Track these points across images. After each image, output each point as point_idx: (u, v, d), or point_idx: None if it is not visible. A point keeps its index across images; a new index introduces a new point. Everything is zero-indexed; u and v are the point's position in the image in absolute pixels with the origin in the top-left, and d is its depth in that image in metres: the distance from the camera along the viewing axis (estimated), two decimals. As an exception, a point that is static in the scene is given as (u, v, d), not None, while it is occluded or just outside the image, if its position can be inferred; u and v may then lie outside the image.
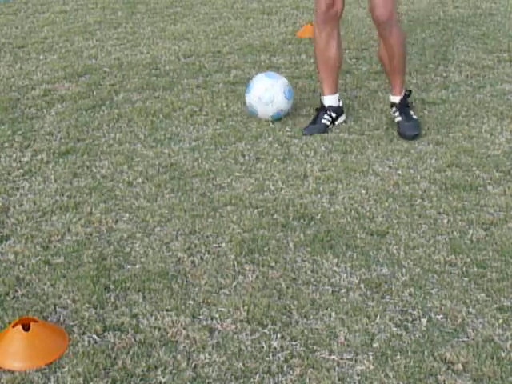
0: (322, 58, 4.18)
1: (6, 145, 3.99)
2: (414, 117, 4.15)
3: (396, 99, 4.16)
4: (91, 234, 3.10)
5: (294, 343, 2.44)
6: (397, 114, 4.13)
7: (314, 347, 2.41)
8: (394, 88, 4.17)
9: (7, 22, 6.61)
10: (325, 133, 4.10)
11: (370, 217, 3.21)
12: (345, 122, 4.23)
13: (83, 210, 3.30)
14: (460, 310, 2.58)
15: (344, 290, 2.71)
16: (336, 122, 4.20)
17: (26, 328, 2.38)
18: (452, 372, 2.30)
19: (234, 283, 2.76)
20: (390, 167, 3.69)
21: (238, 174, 3.64)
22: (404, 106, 4.15)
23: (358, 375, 2.30)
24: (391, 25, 3.93)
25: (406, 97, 4.18)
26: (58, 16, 6.84)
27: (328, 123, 4.16)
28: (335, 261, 2.88)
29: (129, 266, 2.88)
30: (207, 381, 2.29)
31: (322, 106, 4.20)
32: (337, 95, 4.23)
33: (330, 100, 4.20)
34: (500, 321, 2.53)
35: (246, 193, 3.44)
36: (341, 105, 4.25)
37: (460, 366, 2.32)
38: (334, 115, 4.18)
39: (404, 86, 4.19)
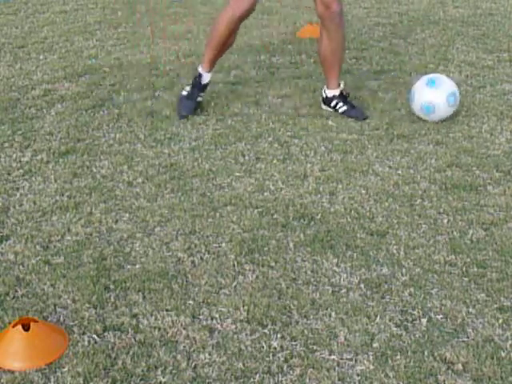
0: (222, 49, 4.31)
1: (6, 145, 3.98)
2: (355, 104, 4.34)
3: (337, 92, 4.32)
4: (91, 234, 3.10)
5: (293, 343, 2.44)
6: (340, 104, 4.31)
7: (314, 347, 2.41)
8: (332, 82, 4.33)
9: (7, 22, 6.61)
10: (196, 109, 4.35)
11: (369, 217, 3.21)
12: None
13: (83, 210, 3.30)
14: (460, 310, 2.58)
15: (344, 290, 2.71)
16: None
17: (26, 328, 2.38)
18: (452, 372, 2.30)
19: (234, 283, 2.76)
20: (390, 167, 3.69)
21: (237, 173, 3.64)
22: (342, 96, 4.33)
23: (357, 375, 2.30)
24: (342, 18, 4.15)
25: (343, 88, 4.35)
26: (58, 16, 6.84)
27: (201, 99, 4.42)
28: (335, 261, 2.89)
29: (129, 266, 2.88)
30: (207, 381, 2.29)
31: (199, 84, 4.39)
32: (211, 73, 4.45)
33: (207, 77, 4.40)
34: (500, 321, 2.53)
35: (245, 193, 3.44)
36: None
37: (460, 366, 2.32)
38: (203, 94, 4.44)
39: (340, 78, 4.37)
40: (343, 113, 4.30)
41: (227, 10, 4.18)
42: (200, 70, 4.40)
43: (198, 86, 4.40)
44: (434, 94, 4.15)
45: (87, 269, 2.84)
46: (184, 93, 4.44)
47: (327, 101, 4.37)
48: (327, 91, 4.36)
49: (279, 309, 2.60)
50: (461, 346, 2.40)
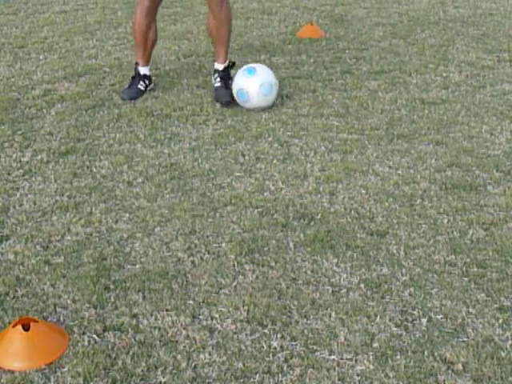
0: (144, 40, 4.67)
1: (6, 145, 3.98)
2: (229, 86, 4.56)
3: (220, 67, 4.63)
4: (91, 234, 3.10)
5: (293, 343, 2.44)
6: (218, 79, 4.60)
7: (314, 347, 2.41)
8: (219, 57, 4.64)
9: (7, 22, 6.61)
10: (138, 96, 4.62)
11: (370, 217, 3.21)
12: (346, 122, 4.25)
13: (83, 210, 3.30)
14: (460, 310, 2.58)
15: (344, 290, 2.71)
16: (149, 88, 4.75)
17: (26, 328, 2.38)
18: (452, 372, 2.30)
19: (234, 283, 2.76)
20: (390, 167, 3.69)
21: (238, 173, 3.64)
22: (226, 75, 4.61)
23: (357, 375, 2.30)
24: (222, 1, 4.49)
25: (228, 67, 4.65)
26: (58, 16, 6.83)
27: (143, 88, 4.70)
28: (335, 261, 2.89)
29: (129, 266, 2.88)
30: (207, 381, 2.29)
31: (138, 75, 4.71)
32: (149, 67, 4.77)
33: (144, 70, 4.71)
34: (500, 321, 2.53)
35: (246, 193, 3.44)
36: (150, 74, 4.79)
37: (460, 366, 2.32)
38: (147, 82, 4.72)
39: (228, 57, 4.67)
40: (216, 89, 4.57)
41: (139, 2, 4.64)
42: (137, 62, 4.75)
43: (138, 76, 4.71)
44: (248, 82, 4.39)
45: (87, 269, 2.84)
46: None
47: (213, 73, 4.68)
48: (215, 64, 4.69)
49: (279, 309, 2.60)
50: (461, 346, 2.40)
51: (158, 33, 4.79)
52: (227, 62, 4.66)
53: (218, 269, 2.84)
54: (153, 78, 4.83)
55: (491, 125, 4.19)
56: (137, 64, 4.73)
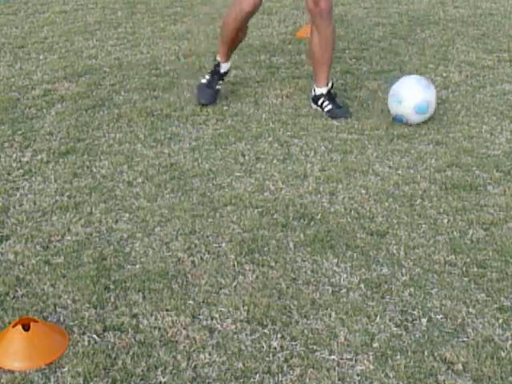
0: (230, 42, 4.46)
1: (6, 145, 3.98)
2: (341, 105, 4.37)
3: (324, 90, 4.36)
4: (91, 234, 3.10)
5: (293, 343, 2.44)
6: (326, 103, 4.34)
7: (314, 347, 2.41)
8: (321, 80, 4.36)
9: (7, 22, 6.60)
10: (216, 98, 4.48)
11: (370, 217, 3.21)
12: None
13: (83, 210, 3.30)
14: (460, 310, 2.58)
15: (344, 290, 2.71)
16: (225, 80, 4.59)
17: (26, 328, 2.38)
18: (452, 372, 2.30)
19: (234, 283, 2.76)
20: (390, 167, 3.69)
21: (238, 173, 3.64)
22: (331, 96, 4.37)
23: (357, 375, 2.30)
24: (331, 16, 4.23)
25: (331, 87, 4.40)
26: (58, 16, 6.83)
27: (220, 87, 4.55)
28: (335, 261, 2.89)
29: (129, 266, 2.88)
30: (207, 381, 2.29)
31: (219, 72, 4.52)
32: (229, 63, 4.59)
33: (226, 66, 4.54)
34: (500, 321, 2.53)
35: (246, 193, 3.44)
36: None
37: (460, 366, 2.32)
38: (224, 80, 4.57)
39: (329, 77, 4.42)
40: (328, 112, 4.31)
41: (235, 4, 4.27)
42: (218, 58, 4.52)
43: (218, 74, 4.52)
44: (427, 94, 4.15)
45: (87, 269, 2.84)
46: (203, 81, 4.55)
47: (315, 99, 4.40)
48: (316, 89, 4.40)
49: (279, 309, 2.60)
50: (461, 346, 2.40)
51: (247, 30, 4.56)
52: (330, 82, 4.38)
53: (218, 269, 2.84)
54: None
55: (491, 125, 4.19)
56: (217, 61, 4.52)
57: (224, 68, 4.53)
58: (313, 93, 4.42)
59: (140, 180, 3.58)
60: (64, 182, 3.57)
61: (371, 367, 2.32)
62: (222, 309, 2.61)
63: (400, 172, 3.64)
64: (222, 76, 4.54)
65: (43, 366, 2.35)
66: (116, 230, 3.14)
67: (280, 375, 2.30)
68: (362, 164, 3.72)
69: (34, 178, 3.60)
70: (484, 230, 3.09)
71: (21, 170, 3.68)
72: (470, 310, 2.59)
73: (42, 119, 4.34)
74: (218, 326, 2.53)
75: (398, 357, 2.36)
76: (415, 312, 2.58)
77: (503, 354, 2.37)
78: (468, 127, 4.16)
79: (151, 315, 2.57)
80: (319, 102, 4.37)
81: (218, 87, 4.54)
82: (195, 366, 2.34)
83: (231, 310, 2.60)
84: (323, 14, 4.18)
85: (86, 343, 2.44)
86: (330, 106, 4.32)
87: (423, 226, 3.14)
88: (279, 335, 2.47)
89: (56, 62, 5.40)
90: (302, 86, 4.84)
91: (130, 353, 2.40)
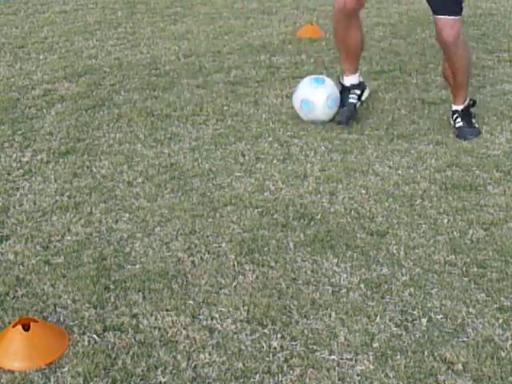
0: (343, 47, 4.27)
1: (6, 145, 3.98)
2: (476, 125, 4.14)
3: (459, 108, 4.15)
4: (91, 234, 3.10)
5: (293, 343, 2.44)
6: (458, 119, 4.12)
7: (314, 347, 2.41)
8: (455, 99, 4.17)
9: (7, 22, 6.61)
10: (355, 113, 4.26)
11: (370, 217, 3.21)
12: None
13: (83, 210, 3.30)
14: (460, 310, 2.58)
15: (344, 290, 2.71)
16: (362, 98, 4.37)
17: (26, 328, 2.38)
18: (452, 372, 2.30)
19: (234, 283, 2.76)
20: (390, 167, 3.69)
21: (238, 173, 3.64)
22: (466, 114, 4.14)
23: (357, 375, 2.30)
24: (457, 46, 3.95)
25: (469, 106, 4.17)
26: (58, 16, 6.84)
27: (355, 101, 4.30)
28: (335, 261, 2.89)
29: (129, 266, 2.88)
30: (207, 381, 2.29)
31: (344, 88, 4.31)
32: (357, 74, 4.36)
33: (351, 79, 4.32)
34: (500, 321, 2.53)
35: (246, 193, 3.44)
36: (362, 80, 4.39)
37: (460, 366, 2.32)
38: (358, 92, 4.33)
39: (467, 97, 4.18)
40: (458, 128, 4.09)
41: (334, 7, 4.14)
42: (341, 80, 4.37)
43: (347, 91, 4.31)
44: (316, 92, 4.18)
45: (87, 269, 2.84)
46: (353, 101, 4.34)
47: (451, 114, 4.22)
48: (452, 105, 4.23)
49: (279, 309, 2.60)
50: (461, 346, 2.40)
51: (363, 39, 4.28)
52: (467, 101, 4.16)
53: (218, 269, 2.84)
54: (365, 84, 4.44)
55: (491, 125, 4.18)
56: (341, 77, 4.37)
57: (348, 81, 4.31)
58: (452, 107, 4.25)
59: (140, 180, 3.58)
60: (64, 181, 3.57)
61: (371, 367, 2.32)
62: (222, 309, 2.61)
63: (400, 172, 3.64)
64: (349, 89, 4.31)
65: (43, 366, 2.35)
66: (116, 229, 3.14)
67: (280, 375, 2.30)
68: (361, 164, 3.72)
69: (34, 178, 3.60)
70: (484, 230, 3.09)
71: (21, 170, 3.68)
72: (470, 309, 2.59)
73: (42, 119, 4.34)
74: (218, 326, 2.53)
75: (398, 357, 2.36)
76: (415, 312, 2.58)
77: (503, 354, 2.36)
78: (468, 127, 4.16)
79: (151, 315, 2.57)
80: (453, 117, 4.18)
81: (351, 101, 4.29)
82: (195, 366, 2.34)
83: (231, 309, 2.60)
84: (446, 44, 3.96)
85: (86, 343, 2.44)
86: (460, 124, 4.11)
87: (423, 226, 3.14)
88: (279, 335, 2.47)
89: (56, 62, 5.40)
90: (302, 86, 4.84)
91: (130, 353, 2.40)
